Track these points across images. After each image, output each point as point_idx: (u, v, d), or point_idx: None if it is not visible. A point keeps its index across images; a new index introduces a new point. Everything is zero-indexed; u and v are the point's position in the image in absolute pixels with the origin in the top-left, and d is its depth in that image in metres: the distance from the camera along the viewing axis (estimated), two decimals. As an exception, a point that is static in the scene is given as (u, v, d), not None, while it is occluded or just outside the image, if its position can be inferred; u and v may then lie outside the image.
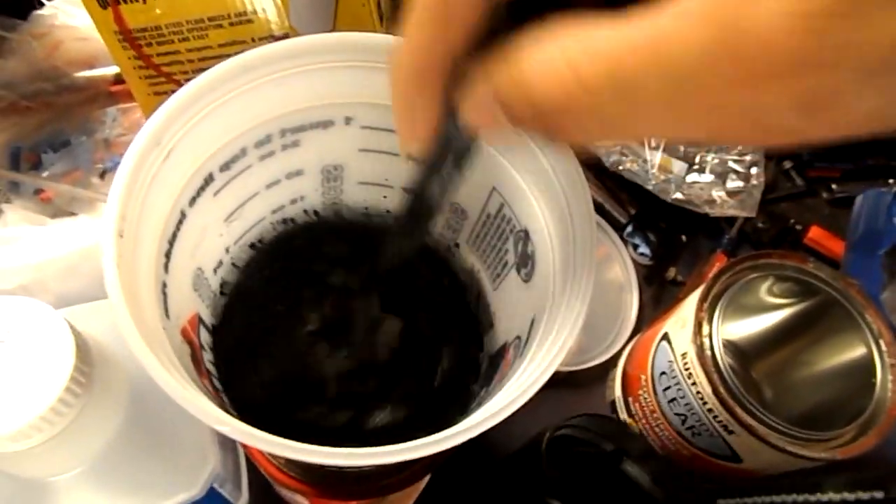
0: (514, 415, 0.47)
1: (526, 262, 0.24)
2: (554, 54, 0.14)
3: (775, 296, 0.39)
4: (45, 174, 0.40)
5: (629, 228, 0.51)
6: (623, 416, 0.45)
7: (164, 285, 0.21)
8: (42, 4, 0.43)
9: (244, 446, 0.30)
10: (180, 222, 0.22)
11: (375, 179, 0.28)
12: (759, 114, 0.13)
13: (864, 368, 0.36)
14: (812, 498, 0.34)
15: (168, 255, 0.21)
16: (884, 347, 0.36)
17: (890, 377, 0.36)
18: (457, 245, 0.29)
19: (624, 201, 0.52)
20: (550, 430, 0.36)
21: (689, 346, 0.36)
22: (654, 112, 0.13)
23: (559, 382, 0.47)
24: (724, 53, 0.12)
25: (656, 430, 0.41)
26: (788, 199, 0.55)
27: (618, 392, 0.45)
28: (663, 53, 0.12)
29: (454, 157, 0.19)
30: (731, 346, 0.36)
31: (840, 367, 0.37)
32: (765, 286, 0.39)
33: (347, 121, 0.25)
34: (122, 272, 0.17)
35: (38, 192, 0.40)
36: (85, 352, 0.24)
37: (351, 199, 0.29)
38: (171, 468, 0.29)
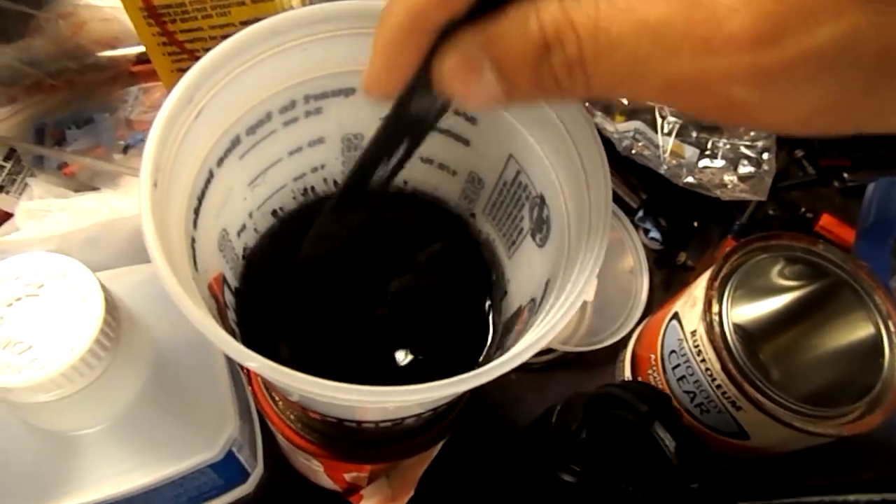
0: (524, 393, 0.47)
1: (541, 227, 0.25)
2: (553, 10, 0.15)
3: (785, 277, 0.40)
4: (68, 149, 0.41)
5: (640, 213, 0.52)
6: (632, 396, 0.45)
7: (193, 240, 0.22)
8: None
9: (263, 412, 0.31)
10: (208, 181, 0.23)
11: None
12: (713, 82, 0.14)
13: (872, 348, 0.37)
14: (839, 499, 0.35)
15: (196, 211, 0.22)
16: (892, 328, 0.37)
17: (897, 359, 0.36)
18: (472, 215, 0.29)
19: (636, 186, 0.52)
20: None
21: (699, 323, 0.37)
22: (629, 68, 0.15)
23: (570, 363, 0.47)
24: (689, 23, 0.14)
25: (665, 408, 0.42)
26: (800, 187, 0.55)
27: (627, 372, 0.46)
28: (640, 18, 0.14)
29: (412, 124, 0.19)
30: (740, 326, 0.36)
31: (848, 347, 0.37)
32: (775, 268, 0.39)
33: (369, 88, 0.25)
34: (156, 219, 0.18)
35: (61, 166, 0.41)
36: (113, 308, 0.25)
37: (370, 168, 0.29)
38: (191, 430, 0.29)
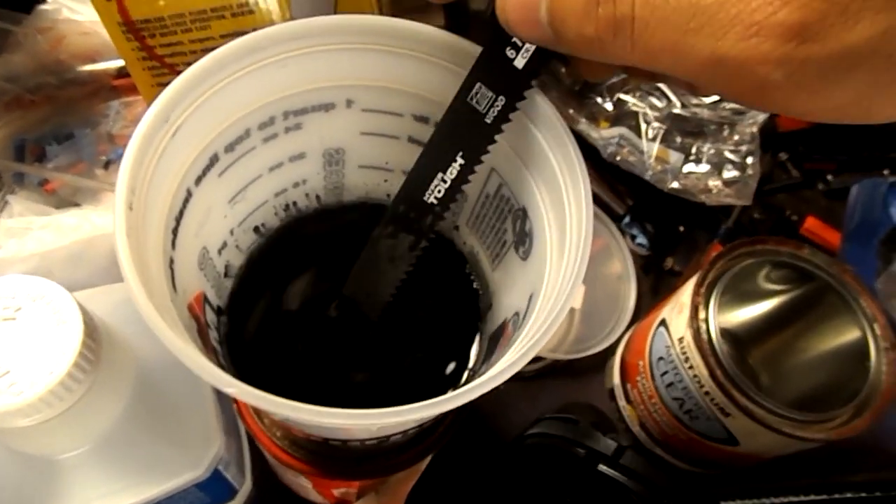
0: (515, 402, 0.47)
1: (524, 240, 0.24)
2: None
3: (771, 282, 0.40)
4: (49, 166, 0.41)
5: (627, 219, 0.52)
6: (622, 402, 0.45)
7: (172, 261, 0.21)
8: (46, -1, 0.44)
9: (249, 431, 0.30)
10: (186, 200, 0.22)
11: (376, 163, 0.28)
12: (755, 64, 0.15)
13: (858, 352, 0.37)
14: (828, 498, 0.35)
15: (175, 231, 0.22)
16: (878, 331, 0.37)
17: (884, 360, 0.36)
18: (456, 227, 0.29)
19: (622, 192, 0.52)
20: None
21: (685, 330, 0.37)
22: (677, 38, 0.16)
23: (559, 371, 0.47)
24: (742, 6, 0.15)
25: (654, 415, 0.42)
26: (785, 190, 0.56)
27: (616, 379, 0.46)
28: None
29: (469, 127, 0.21)
30: (727, 332, 0.36)
31: (835, 351, 0.37)
32: (761, 272, 0.39)
33: (349, 103, 0.25)
34: (132, 241, 0.18)
35: (42, 183, 0.41)
36: (93, 329, 0.24)
37: (352, 182, 0.29)
38: (176, 449, 0.29)
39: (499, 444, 0.43)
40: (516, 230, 0.25)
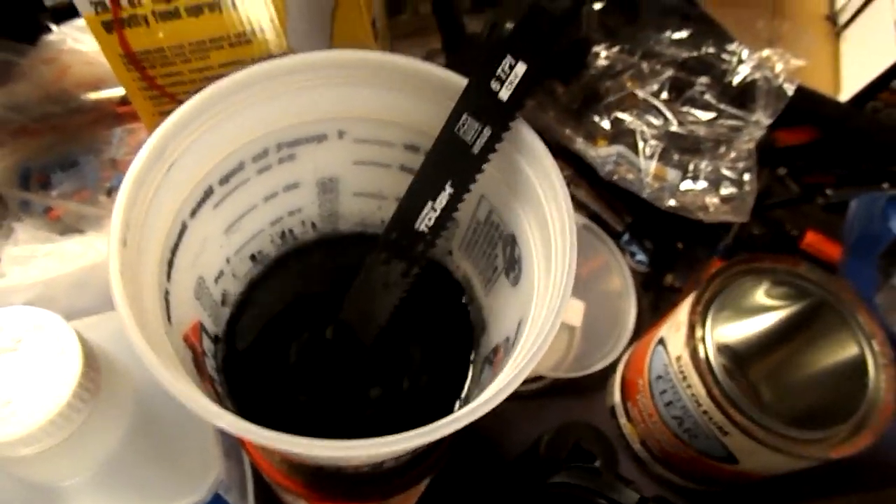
0: (517, 421, 0.47)
1: (513, 266, 0.25)
2: None
3: (770, 298, 0.40)
4: (54, 193, 0.41)
5: (626, 237, 0.52)
6: (622, 420, 0.45)
7: (167, 293, 0.22)
8: (50, 30, 0.45)
9: (249, 455, 0.31)
10: (182, 233, 0.23)
11: (369, 191, 0.29)
12: None
13: (857, 369, 0.37)
14: None
15: (170, 263, 0.22)
16: (876, 348, 0.37)
17: (882, 377, 0.36)
18: (450, 252, 0.30)
19: (620, 210, 0.53)
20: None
21: (682, 349, 0.37)
22: None
23: (560, 389, 0.47)
24: None
25: (654, 433, 0.42)
26: (784, 205, 0.56)
27: (617, 398, 0.46)
28: None
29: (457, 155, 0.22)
30: (727, 349, 0.36)
31: (833, 368, 0.37)
32: (759, 290, 0.39)
33: (340, 134, 0.26)
34: (126, 278, 0.18)
35: (47, 210, 0.41)
36: (92, 359, 0.25)
37: (347, 210, 0.30)
38: (176, 474, 0.29)
39: (500, 464, 0.43)
40: (506, 256, 0.25)
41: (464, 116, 0.23)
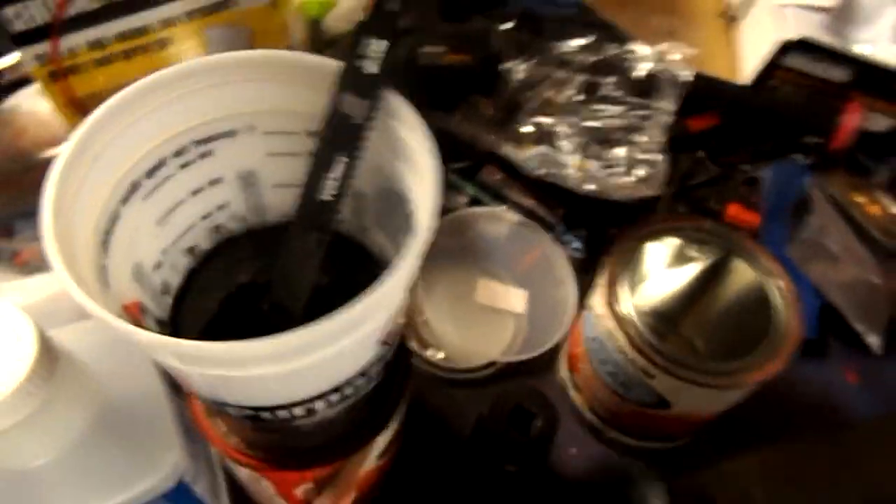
0: (471, 405, 0.49)
1: (409, 226, 0.28)
2: None
3: (678, 253, 0.43)
4: (17, 237, 0.45)
5: (561, 228, 0.56)
6: (572, 392, 0.48)
7: (104, 267, 0.25)
8: (5, 97, 0.49)
9: (211, 442, 0.34)
10: (114, 220, 0.27)
11: (287, 181, 0.32)
12: None
13: (764, 304, 0.40)
14: None
15: (105, 244, 0.26)
16: (781, 284, 0.41)
17: (787, 310, 0.40)
18: (367, 229, 0.33)
19: (553, 205, 0.57)
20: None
21: (603, 307, 0.40)
22: None
23: (513, 373, 0.50)
24: None
25: (597, 394, 0.45)
26: (706, 185, 0.60)
27: (564, 372, 0.49)
28: None
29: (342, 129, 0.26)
30: (639, 301, 0.39)
31: (743, 306, 0.40)
32: (668, 245, 0.43)
33: (251, 128, 0.30)
34: (60, 240, 0.22)
35: (13, 256, 0.45)
36: (47, 345, 0.28)
37: (271, 202, 0.33)
38: (138, 458, 0.32)
39: (457, 446, 0.46)
40: (405, 218, 0.29)
41: (343, 94, 0.27)
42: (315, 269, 0.29)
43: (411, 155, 0.27)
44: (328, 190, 0.28)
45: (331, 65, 0.28)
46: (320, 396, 0.27)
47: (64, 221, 0.23)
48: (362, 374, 0.28)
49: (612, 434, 0.47)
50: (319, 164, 0.28)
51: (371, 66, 0.26)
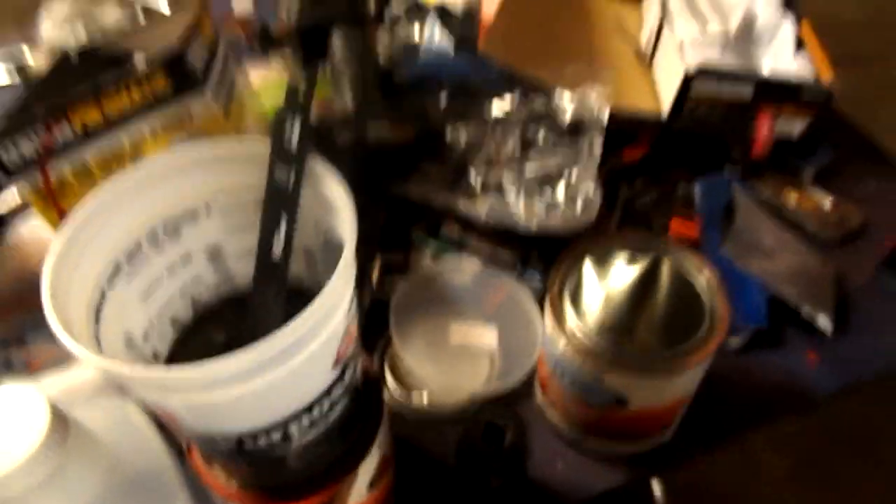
0: (454, 426, 0.53)
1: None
2: None
3: (617, 264, 0.48)
4: (30, 346, 0.50)
5: (520, 267, 0.61)
6: (549, 412, 0.52)
7: (98, 335, 0.30)
8: (9, 228, 0.56)
9: (211, 489, 0.38)
10: (103, 297, 0.32)
11: (247, 249, 0.38)
12: None
13: (696, 295, 0.45)
14: None
15: (97, 317, 0.31)
16: (707, 275, 0.45)
17: (716, 297, 0.44)
18: (320, 281, 0.38)
19: (510, 247, 0.62)
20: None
21: (552, 323, 0.45)
22: None
23: (494, 403, 0.54)
24: None
25: (567, 406, 0.48)
26: (648, 206, 0.65)
27: (539, 395, 0.53)
28: None
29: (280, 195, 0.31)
30: (596, 317, 0.43)
31: (679, 299, 0.45)
32: (605, 258, 0.47)
33: (208, 208, 0.35)
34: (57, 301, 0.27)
35: (27, 365, 0.50)
36: (59, 416, 0.32)
37: (238, 271, 0.39)
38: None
39: (445, 472, 0.49)
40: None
41: (276, 165, 0.33)
42: (278, 321, 0.34)
43: (337, 207, 0.32)
44: (277, 248, 0.33)
45: (264, 143, 0.34)
46: (294, 417, 0.32)
47: (61, 299, 0.29)
48: (327, 393, 0.32)
49: (590, 443, 0.50)
50: (267, 226, 0.33)
51: (292, 139, 0.32)
